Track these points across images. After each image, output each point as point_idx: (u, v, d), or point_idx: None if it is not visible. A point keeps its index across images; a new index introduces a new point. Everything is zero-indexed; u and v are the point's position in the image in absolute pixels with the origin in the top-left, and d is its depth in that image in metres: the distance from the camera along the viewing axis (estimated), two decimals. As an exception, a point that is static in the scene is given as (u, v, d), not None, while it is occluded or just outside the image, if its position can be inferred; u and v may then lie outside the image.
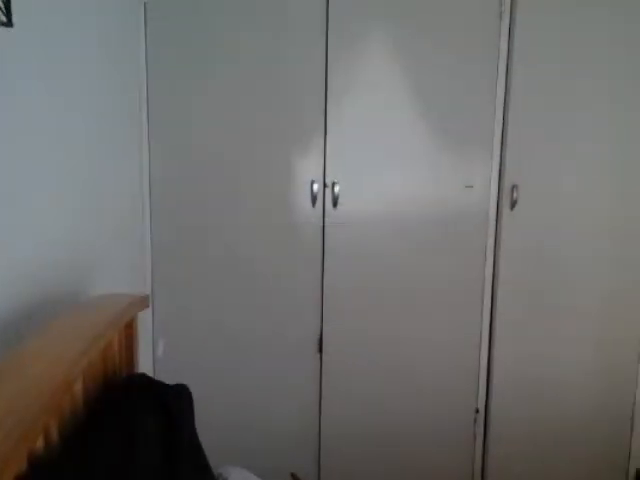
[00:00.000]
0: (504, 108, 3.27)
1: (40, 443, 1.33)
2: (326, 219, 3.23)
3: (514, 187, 3.29)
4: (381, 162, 3.23)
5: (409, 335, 3.39)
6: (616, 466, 3.67)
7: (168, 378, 1.96)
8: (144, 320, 2.92)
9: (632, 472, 3.68)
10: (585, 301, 3.46)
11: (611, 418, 3.61)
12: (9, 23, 1.59)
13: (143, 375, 1.93)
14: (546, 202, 3.35)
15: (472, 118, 3.27)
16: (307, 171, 3.19)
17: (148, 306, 2.16)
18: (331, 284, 3.28)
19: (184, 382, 1.91)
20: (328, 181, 3.20)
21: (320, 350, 3.33)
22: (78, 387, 1.59)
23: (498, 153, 3.30)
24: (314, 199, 3.20)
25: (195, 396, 1.90)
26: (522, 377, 3.50)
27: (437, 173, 3.27)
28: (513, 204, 3.30)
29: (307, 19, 3.10)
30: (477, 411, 3.52)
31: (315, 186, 3.19)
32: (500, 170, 3.31)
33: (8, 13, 1.58)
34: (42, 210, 1.87)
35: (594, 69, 3.27)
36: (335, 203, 3.20)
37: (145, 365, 2.70)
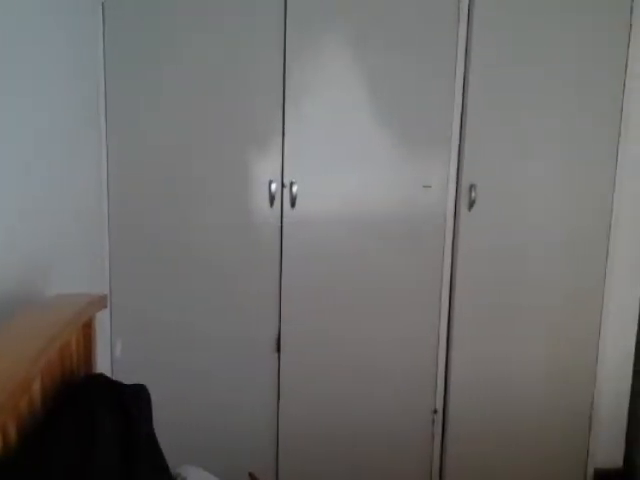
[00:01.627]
0: (462, 108, 3.32)
1: (-2, 442, 1.34)
2: (284, 219, 3.24)
3: (472, 187, 3.33)
4: (339, 162, 3.26)
5: (367, 335, 3.42)
6: (575, 466, 3.73)
7: (126, 378, 1.98)
8: (102, 320, 2.93)
9: (590, 472, 3.74)
10: (543, 301, 3.52)
11: (569, 418, 3.67)
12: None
13: (101, 375, 1.94)
14: (504, 202, 3.40)
15: (430, 118, 3.32)
16: (265, 171, 3.21)
17: (106, 306, 2.18)
18: (289, 284, 3.30)
19: (142, 382, 1.93)
20: (286, 181, 3.21)
21: (278, 350, 3.35)
22: (36, 387, 1.61)
23: (456, 153, 3.34)
24: (272, 199, 3.22)
25: (153, 396, 1.92)
26: (480, 377, 3.55)
27: (395, 173, 3.31)
28: (471, 204, 3.35)
29: (265, 18, 3.11)
30: (435, 411, 3.56)
31: (273, 186, 3.20)
32: (458, 170, 3.36)
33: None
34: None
35: (550, 70, 3.34)
36: (293, 203, 3.22)
37: (103, 365, 2.71)
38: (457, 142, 3.34)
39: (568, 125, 3.39)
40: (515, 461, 3.65)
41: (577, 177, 3.44)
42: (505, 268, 3.46)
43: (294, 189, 3.21)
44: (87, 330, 2.06)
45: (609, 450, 3.79)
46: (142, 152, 3.15)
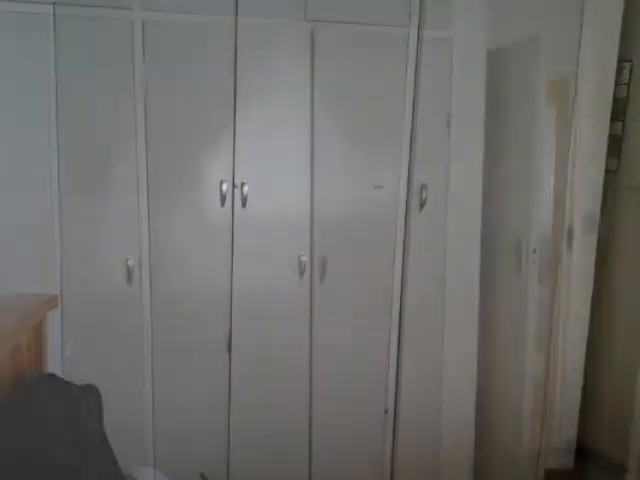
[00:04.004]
0: (413, 108, 3.38)
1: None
2: (235, 219, 3.27)
3: (423, 187, 3.41)
4: (290, 163, 3.33)
5: (319, 336, 3.47)
6: (525, 465, 3.80)
7: (77, 378, 2.01)
8: (53, 319, 2.94)
9: (541, 473, 3.81)
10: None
11: (521, 418, 3.73)
12: None
13: (52, 375, 1.98)
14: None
15: (382, 119, 3.39)
16: (216, 171, 3.25)
17: (57, 306, 2.20)
18: (240, 284, 3.33)
19: (92, 382, 1.97)
20: (237, 181, 3.25)
21: (229, 350, 3.39)
22: (-13, 387, 1.65)
23: (407, 153, 3.41)
24: (223, 199, 3.26)
25: (103, 396, 1.96)
26: (432, 378, 3.61)
27: (347, 173, 3.38)
28: (422, 204, 3.43)
29: (217, 18, 3.15)
30: (386, 412, 3.62)
31: (224, 186, 3.24)
32: (409, 170, 3.43)
33: None
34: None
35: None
36: (244, 203, 3.26)
37: (54, 364, 2.74)
38: (408, 143, 3.40)
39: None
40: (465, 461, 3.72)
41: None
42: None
43: (245, 189, 3.25)
44: (38, 330, 2.09)
45: (560, 451, 3.86)
46: (93, 151, 3.16)
